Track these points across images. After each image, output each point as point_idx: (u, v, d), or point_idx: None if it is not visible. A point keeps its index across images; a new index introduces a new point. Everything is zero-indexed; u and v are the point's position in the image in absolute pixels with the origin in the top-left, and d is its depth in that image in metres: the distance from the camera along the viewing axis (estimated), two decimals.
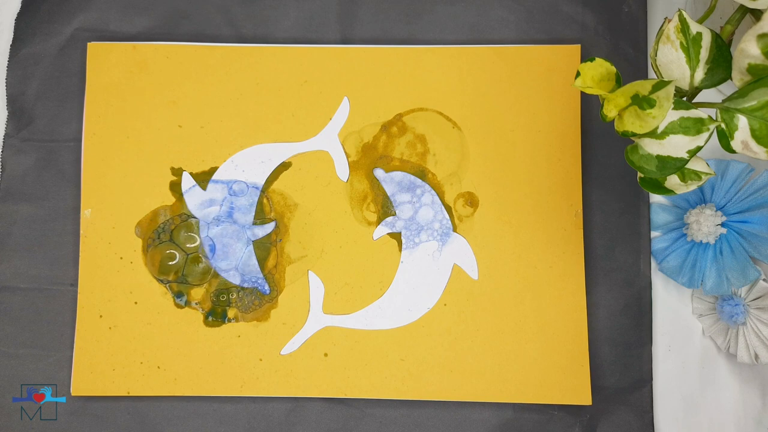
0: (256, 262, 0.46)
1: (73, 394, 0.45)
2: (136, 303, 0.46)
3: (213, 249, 0.46)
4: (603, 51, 0.48)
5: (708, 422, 0.45)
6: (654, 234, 0.46)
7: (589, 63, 0.33)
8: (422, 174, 0.47)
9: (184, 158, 0.47)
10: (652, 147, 0.33)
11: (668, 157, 0.32)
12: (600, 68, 0.33)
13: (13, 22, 0.49)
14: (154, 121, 0.48)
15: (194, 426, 0.45)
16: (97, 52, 0.48)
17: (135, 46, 0.48)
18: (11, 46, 0.49)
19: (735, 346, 0.43)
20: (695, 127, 0.32)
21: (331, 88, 0.48)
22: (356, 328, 0.46)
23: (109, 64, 0.48)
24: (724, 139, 0.32)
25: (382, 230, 0.47)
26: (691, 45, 0.32)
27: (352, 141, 0.47)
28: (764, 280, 0.43)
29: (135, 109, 0.48)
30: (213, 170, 0.47)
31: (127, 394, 0.45)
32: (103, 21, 0.49)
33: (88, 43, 0.48)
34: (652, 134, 0.32)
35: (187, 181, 0.47)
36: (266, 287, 0.46)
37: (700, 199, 0.45)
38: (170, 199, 0.47)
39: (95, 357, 0.46)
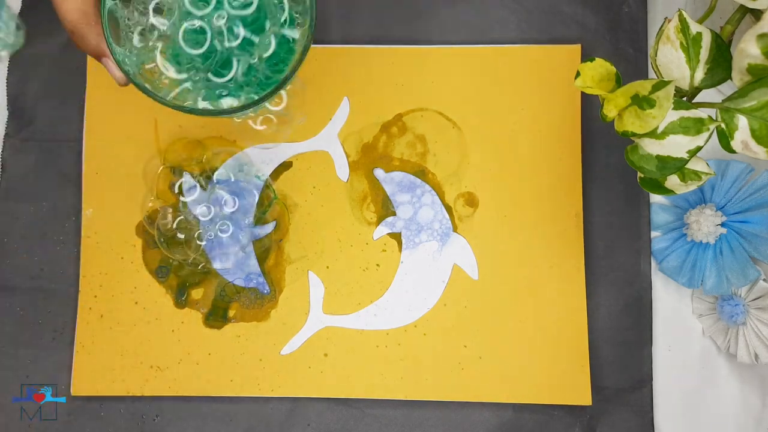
0: (256, 262, 0.46)
1: (73, 394, 0.45)
2: (136, 303, 0.46)
3: (213, 249, 0.46)
4: (603, 51, 0.48)
5: (708, 422, 0.45)
6: (654, 234, 0.46)
7: (589, 63, 0.33)
8: (422, 174, 0.47)
9: (185, 158, 0.47)
10: (652, 147, 0.33)
11: (668, 157, 0.32)
12: (600, 68, 0.33)
13: None
14: (154, 121, 0.48)
15: (194, 426, 0.45)
16: None
17: None
18: None
19: (735, 346, 0.43)
20: (695, 127, 0.32)
21: (331, 88, 0.48)
22: (356, 328, 0.46)
23: None
24: (724, 139, 0.32)
25: (382, 230, 0.47)
26: (691, 45, 0.32)
27: (352, 141, 0.47)
28: (764, 280, 0.43)
29: (136, 109, 0.48)
30: (214, 170, 0.47)
31: (126, 394, 0.45)
32: None
33: None
34: (652, 134, 0.32)
35: (187, 181, 0.47)
36: (266, 287, 0.46)
37: (700, 199, 0.45)
38: (171, 199, 0.47)
39: (95, 357, 0.46)
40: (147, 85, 0.31)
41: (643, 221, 0.46)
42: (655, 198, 0.46)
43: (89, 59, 0.48)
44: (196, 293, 0.46)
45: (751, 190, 0.44)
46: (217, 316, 0.46)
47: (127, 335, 0.46)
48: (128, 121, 0.48)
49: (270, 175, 0.47)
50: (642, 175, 0.35)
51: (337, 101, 0.48)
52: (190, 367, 0.45)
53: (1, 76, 0.49)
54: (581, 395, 0.44)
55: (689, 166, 0.34)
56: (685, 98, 0.34)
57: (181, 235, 0.46)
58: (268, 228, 0.47)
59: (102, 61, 0.33)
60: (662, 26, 0.33)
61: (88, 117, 0.48)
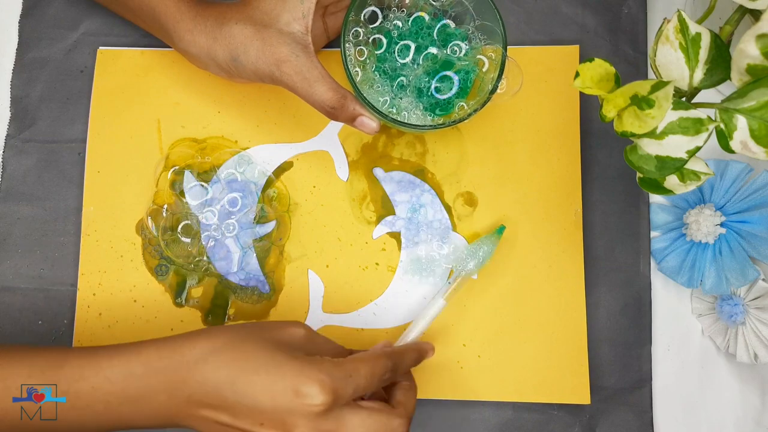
0: (256, 262, 0.46)
1: None
2: (135, 301, 0.46)
3: (213, 248, 0.46)
4: (603, 52, 0.48)
5: (708, 422, 0.45)
6: (653, 234, 0.46)
7: (588, 63, 0.33)
8: (421, 173, 0.47)
9: (187, 157, 0.47)
10: (651, 147, 0.33)
11: (667, 157, 0.32)
12: (599, 69, 0.33)
13: (17, 25, 0.49)
14: (157, 121, 0.48)
15: None
16: (106, 57, 0.49)
17: (143, 51, 0.48)
18: (17, 50, 0.49)
19: (734, 345, 0.43)
20: (694, 127, 0.32)
21: None
22: (355, 327, 0.46)
23: (116, 69, 0.48)
24: (723, 139, 0.32)
25: (381, 229, 0.47)
26: (690, 45, 0.32)
27: (352, 141, 0.47)
28: (763, 280, 0.43)
29: (139, 110, 0.48)
30: (214, 169, 0.47)
31: None
32: (108, 25, 0.49)
33: (99, 49, 0.49)
34: (651, 134, 0.32)
35: (188, 180, 0.47)
36: (266, 286, 0.46)
37: (700, 199, 0.45)
38: (171, 198, 0.47)
39: None
40: (395, 117, 0.40)
41: (643, 221, 0.46)
42: (655, 198, 0.47)
43: (97, 62, 0.48)
44: (196, 292, 0.46)
45: (750, 190, 0.44)
46: (216, 315, 0.46)
47: (125, 334, 0.46)
48: (132, 121, 0.48)
49: (271, 175, 0.47)
50: (641, 176, 0.35)
51: None
52: None
53: (5, 79, 0.49)
54: (580, 395, 0.44)
55: (688, 166, 0.34)
56: (684, 98, 0.34)
57: (181, 235, 0.46)
58: (269, 227, 0.47)
59: (357, 121, 0.39)
60: (661, 27, 0.33)
61: (92, 118, 0.48)
